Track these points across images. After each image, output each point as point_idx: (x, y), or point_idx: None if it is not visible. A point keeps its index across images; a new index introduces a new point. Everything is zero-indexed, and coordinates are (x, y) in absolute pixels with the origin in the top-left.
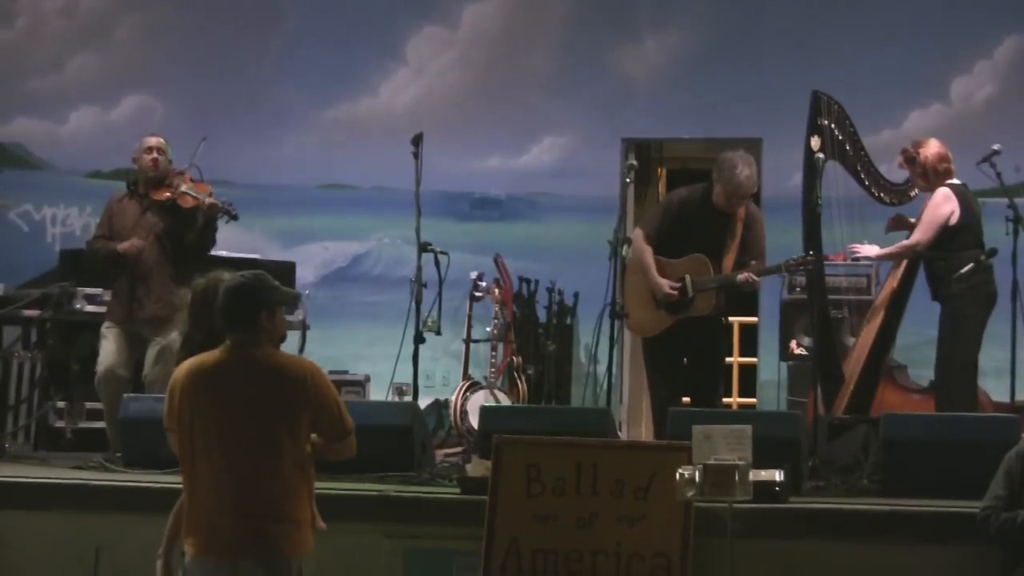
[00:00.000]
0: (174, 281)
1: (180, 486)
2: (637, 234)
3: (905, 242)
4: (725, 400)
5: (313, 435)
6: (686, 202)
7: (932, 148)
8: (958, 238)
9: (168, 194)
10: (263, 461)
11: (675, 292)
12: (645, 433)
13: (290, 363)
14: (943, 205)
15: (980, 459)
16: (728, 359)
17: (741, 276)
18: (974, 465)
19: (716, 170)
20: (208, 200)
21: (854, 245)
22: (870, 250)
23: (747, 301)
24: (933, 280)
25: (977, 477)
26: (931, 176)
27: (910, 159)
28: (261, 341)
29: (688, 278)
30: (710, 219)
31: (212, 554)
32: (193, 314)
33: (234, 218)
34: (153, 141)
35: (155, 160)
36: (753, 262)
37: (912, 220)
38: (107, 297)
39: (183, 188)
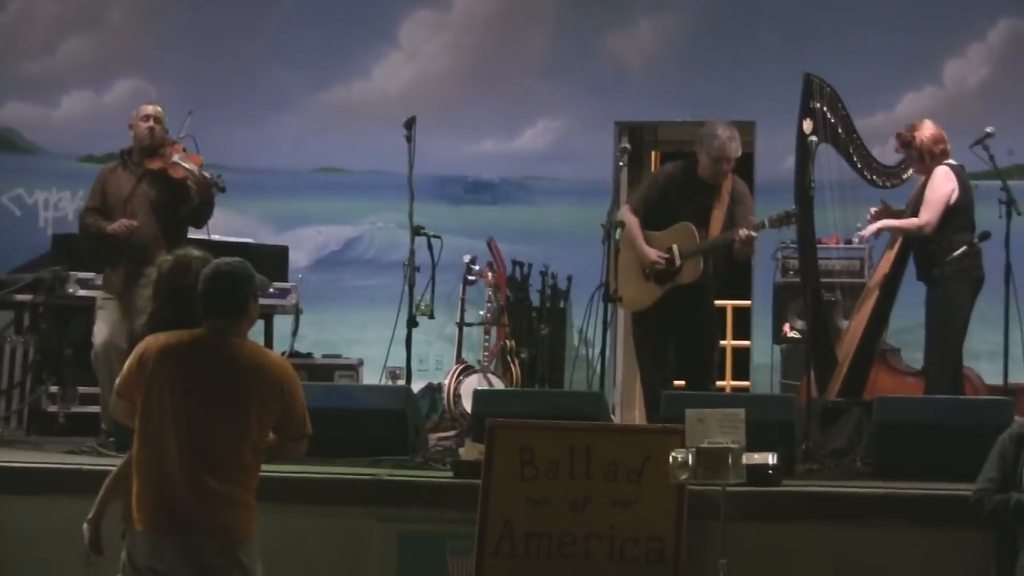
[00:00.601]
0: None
1: None
2: (624, 209)
3: (914, 220)
4: (719, 383)
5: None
6: (672, 175)
7: (927, 130)
8: (953, 219)
9: (160, 164)
10: (229, 446)
11: (662, 260)
12: (638, 416)
13: (270, 359)
14: (945, 184)
15: (974, 442)
16: (721, 342)
17: (740, 233)
18: (968, 448)
19: (698, 142)
20: (199, 173)
21: (864, 232)
22: (875, 225)
23: (740, 285)
24: (922, 261)
25: (971, 460)
26: (928, 158)
27: (906, 143)
28: (244, 328)
29: (675, 247)
30: (696, 191)
31: (166, 531)
32: (161, 290)
33: (222, 190)
34: (150, 109)
35: (151, 128)
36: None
37: (897, 208)
38: (99, 282)
39: (174, 158)
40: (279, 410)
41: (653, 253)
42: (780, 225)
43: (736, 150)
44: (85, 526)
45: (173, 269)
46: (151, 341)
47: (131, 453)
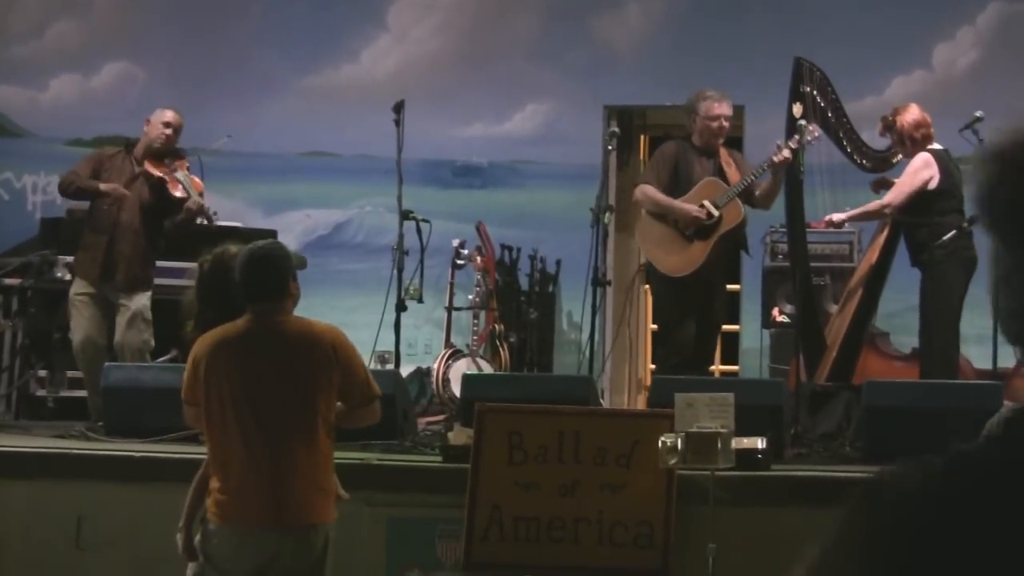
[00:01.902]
0: (146, 255)
1: (162, 455)
2: (640, 187)
3: (876, 202)
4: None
5: (337, 402)
6: (674, 151)
7: (910, 115)
8: (939, 203)
9: (161, 173)
10: (297, 429)
11: (703, 213)
12: (627, 401)
13: (318, 328)
14: (921, 171)
15: (963, 426)
16: None
17: (776, 156)
18: (957, 432)
19: (688, 111)
20: (195, 200)
21: (829, 217)
22: (836, 216)
23: (730, 269)
24: (914, 246)
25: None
26: (908, 143)
27: (888, 126)
28: (289, 308)
29: (706, 202)
30: (700, 160)
31: (240, 520)
32: (204, 291)
33: (209, 222)
34: (172, 117)
35: (168, 136)
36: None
37: (895, 181)
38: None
39: (178, 175)
40: (339, 376)
41: (692, 208)
42: (796, 146)
43: (728, 108)
44: (178, 535)
45: (213, 269)
46: (200, 342)
47: (207, 458)
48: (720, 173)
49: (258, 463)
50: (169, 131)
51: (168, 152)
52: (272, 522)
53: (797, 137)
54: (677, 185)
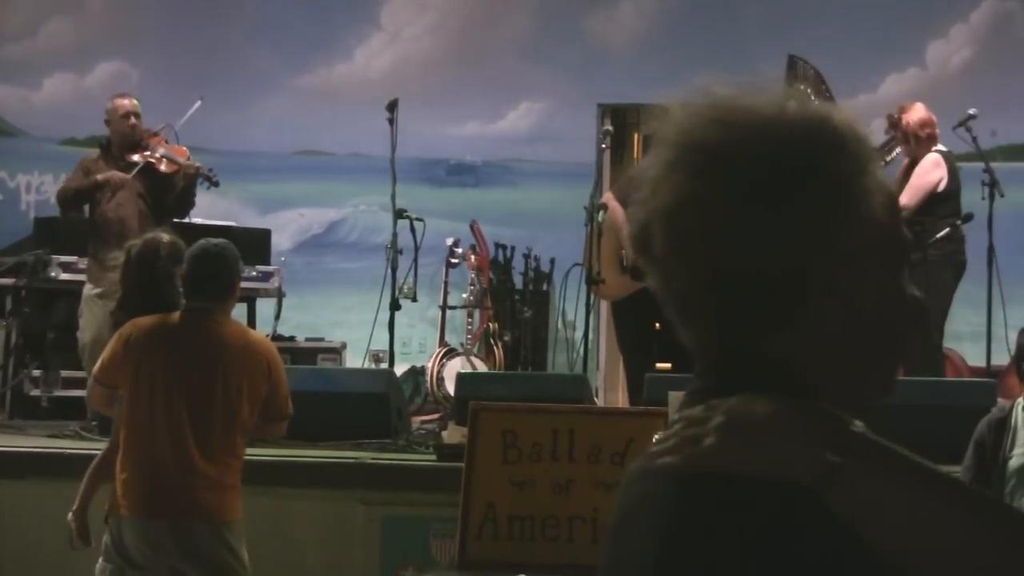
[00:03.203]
0: None
1: None
2: (609, 195)
3: None
4: None
5: None
6: None
7: (916, 113)
8: (942, 206)
9: (141, 156)
10: (220, 428)
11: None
12: (622, 399)
13: (256, 338)
14: (933, 171)
15: (955, 423)
16: None
17: None
18: (950, 430)
19: None
20: (188, 164)
21: None
22: None
23: None
24: None
25: (953, 442)
26: (913, 141)
27: (893, 123)
28: (229, 309)
29: None
30: None
31: (156, 514)
32: (131, 276)
33: (215, 184)
34: (128, 105)
35: (133, 126)
36: None
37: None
38: (82, 265)
39: (160, 151)
40: (267, 389)
41: None
42: None
43: None
44: (70, 517)
45: (142, 253)
46: (134, 326)
47: (112, 441)
48: None
49: (178, 457)
50: (132, 120)
51: (140, 137)
52: (187, 518)
53: None
54: None
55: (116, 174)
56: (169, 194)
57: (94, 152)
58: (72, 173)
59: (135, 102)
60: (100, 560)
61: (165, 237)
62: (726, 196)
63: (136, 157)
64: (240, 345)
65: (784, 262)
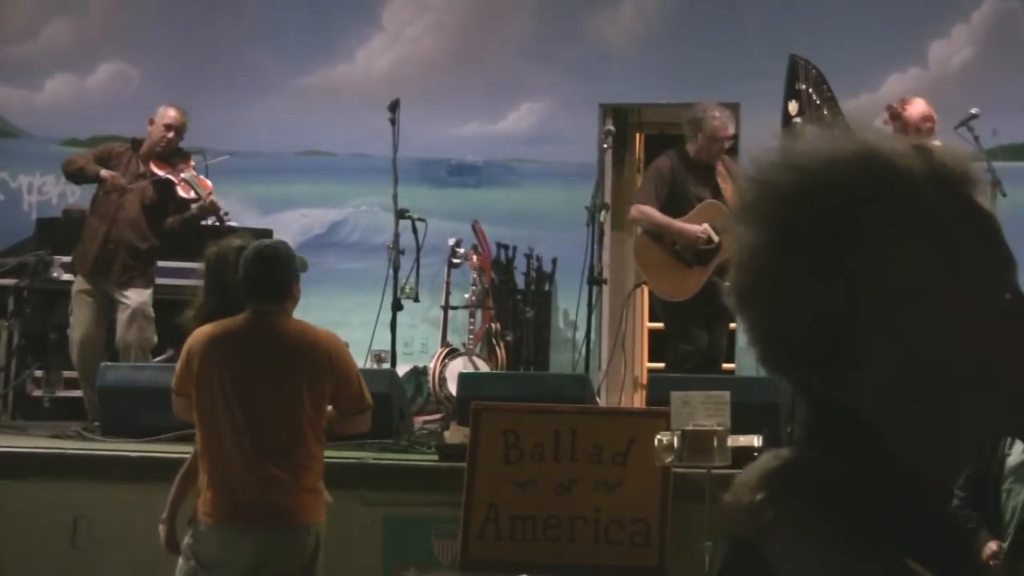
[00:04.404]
0: (144, 251)
1: (158, 455)
2: (636, 208)
3: None
4: None
5: (329, 407)
6: (673, 167)
7: (918, 107)
8: None
9: (165, 173)
10: (288, 430)
11: (705, 235)
12: (623, 399)
13: (318, 335)
14: None
15: None
16: None
17: None
18: None
19: (690, 125)
20: (208, 200)
21: None
22: None
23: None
24: None
25: None
26: (912, 135)
27: (895, 115)
28: (289, 310)
29: (707, 225)
30: (698, 176)
31: (232, 521)
32: (208, 280)
33: (221, 223)
34: (173, 117)
35: (169, 139)
36: None
37: None
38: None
39: (184, 175)
40: (332, 384)
41: (696, 228)
42: None
43: (733, 127)
44: (161, 527)
45: (215, 260)
46: (196, 335)
47: (196, 449)
48: (716, 191)
49: (248, 462)
50: (171, 134)
51: (172, 153)
52: (263, 523)
53: None
54: (672, 202)
55: (118, 179)
56: (174, 213)
57: (123, 144)
58: (93, 151)
59: (183, 119)
60: (180, 560)
61: (235, 242)
62: (769, 245)
63: (159, 171)
64: (299, 343)
65: (827, 305)
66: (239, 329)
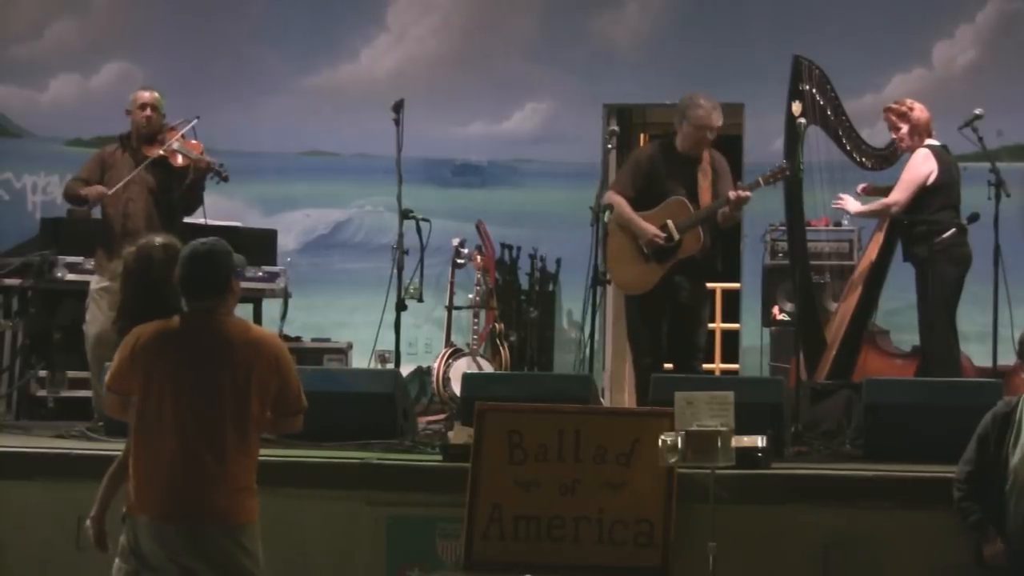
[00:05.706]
0: None
1: None
2: (610, 193)
3: (884, 200)
4: (708, 366)
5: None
6: (652, 156)
7: (923, 111)
8: (935, 198)
9: (159, 151)
10: (232, 429)
11: (661, 236)
12: (628, 399)
13: (263, 335)
14: (922, 165)
15: (962, 423)
16: (711, 325)
17: (731, 194)
18: (957, 429)
19: (677, 115)
20: (200, 159)
21: (841, 196)
22: (852, 205)
23: (729, 267)
24: (909, 240)
25: (960, 441)
26: (917, 137)
27: (902, 115)
28: (230, 307)
29: (670, 222)
30: (679, 167)
31: (170, 518)
32: (129, 283)
33: (225, 179)
34: (147, 96)
35: (148, 117)
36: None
37: (885, 185)
38: (88, 265)
39: (174, 146)
40: (277, 384)
41: (652, 229)
42: (773, 181)
43: (718, 119)
44: (88, 524)
45: (136, 260)
46: (139, 332)
47: (127, 445)
48: (693, 186)
49: (189, 461)
50: (148, 112)
51: (157, 130)
52: (203, 522)
53: (766, 175)
54: (649, 191)
55: (97, 189)
56: (178, 189)
57: (112, 144)
58: (88, 164)
59: (156, 95)
60: (116, 560)
61: (158, 240)
62: None
63: (152, 152)
64: (244, 341)
65: None
66: (183, 328)
